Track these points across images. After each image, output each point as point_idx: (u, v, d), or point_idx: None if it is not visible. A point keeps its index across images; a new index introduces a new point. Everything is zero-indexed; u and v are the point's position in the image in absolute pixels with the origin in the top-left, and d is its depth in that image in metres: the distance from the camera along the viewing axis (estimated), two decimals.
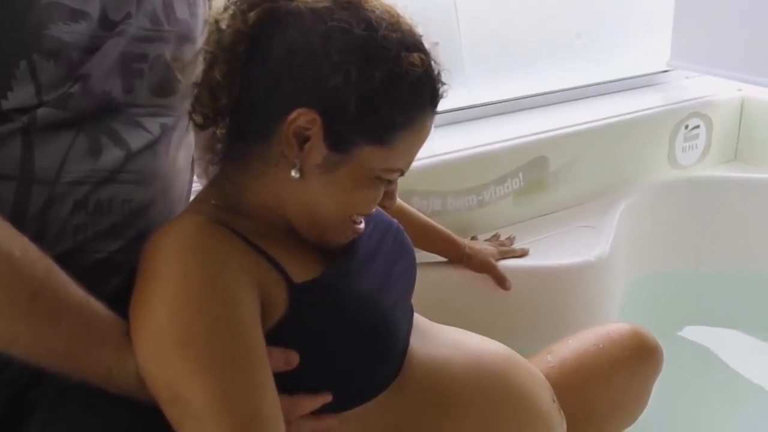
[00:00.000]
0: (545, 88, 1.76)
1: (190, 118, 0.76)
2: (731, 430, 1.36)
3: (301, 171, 0.72)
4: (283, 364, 0.70)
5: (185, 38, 0.81)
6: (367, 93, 0.69)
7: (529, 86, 1.74)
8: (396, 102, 0.71)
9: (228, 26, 0.72)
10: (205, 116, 0.75)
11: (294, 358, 0.70)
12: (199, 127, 0.76)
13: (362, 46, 0.69)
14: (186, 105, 0.83)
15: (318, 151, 0.71)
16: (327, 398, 0.73)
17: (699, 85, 1.91)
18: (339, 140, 0.71)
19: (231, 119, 0.75)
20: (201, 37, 0.83)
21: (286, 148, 0.71)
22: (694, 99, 1.82)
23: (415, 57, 0.71)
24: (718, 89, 1.88)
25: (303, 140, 0.71)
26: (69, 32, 0.69)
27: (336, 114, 0.70)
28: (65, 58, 0.70)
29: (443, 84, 0.75)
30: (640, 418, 1.10)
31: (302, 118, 0.69)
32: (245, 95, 0.72)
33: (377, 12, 0.71)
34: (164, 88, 0.79)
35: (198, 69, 0.75)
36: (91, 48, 0.72)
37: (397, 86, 0.71)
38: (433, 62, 0.74)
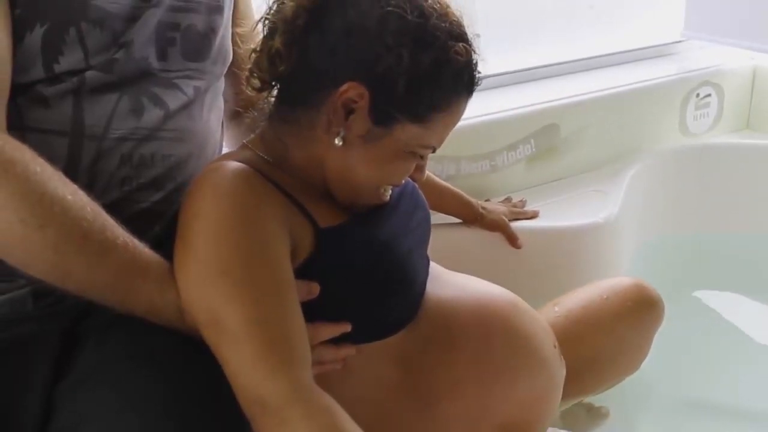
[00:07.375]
0: (558, 59, 1.77)
1: (248, 82, 0.83)
2: (738, 390, 1.40)
3: (344, 139, 0.79)
4: (306, 294, 0.77)
5: (214, 9, 0.88)
6: (414, 75, 0.76)
7: (541, 56, 1.75)
8: (439, 86, 0.78)
9: (290, 0, 0.78)
10: (263, 80, 0.82)
11: (315, 289, 0.78)
12: (256, 91, 0.83)
13: (414, 31, 0.76)
14: (216, 70, 0.90)
15: (362, 123, 0.78)
16: (346, 328, 0.81)
17: (712, 56, 1.90)
18: (382, 115, 0.78)
19: (284, 85, 0.82)
20: (227, 8, 0.91)
21: (333, 117, 0.78)
22: (706, 68, 1.82)
23: (460, 47, 0.78)
24: (730, 58, 1.87)
25: (349, 111, 0.78)
26: (112, 3, 0.77)
27: (384, 91, 0.77)
28: (109, 26, 0.77)
29: (479, 72, 0.82)
30: (649, 379, 1.13)
31: (352, 91, 0.76)
32: (301, 65, 0.79)
33: (429, 1, 0.77)
34: (196, 54, 0.86)
35: (258, 37, 0.82)
36: (132, 17, 0.79)
37: (441, 72, 0.77)
38: (473, 52, 0.80)
